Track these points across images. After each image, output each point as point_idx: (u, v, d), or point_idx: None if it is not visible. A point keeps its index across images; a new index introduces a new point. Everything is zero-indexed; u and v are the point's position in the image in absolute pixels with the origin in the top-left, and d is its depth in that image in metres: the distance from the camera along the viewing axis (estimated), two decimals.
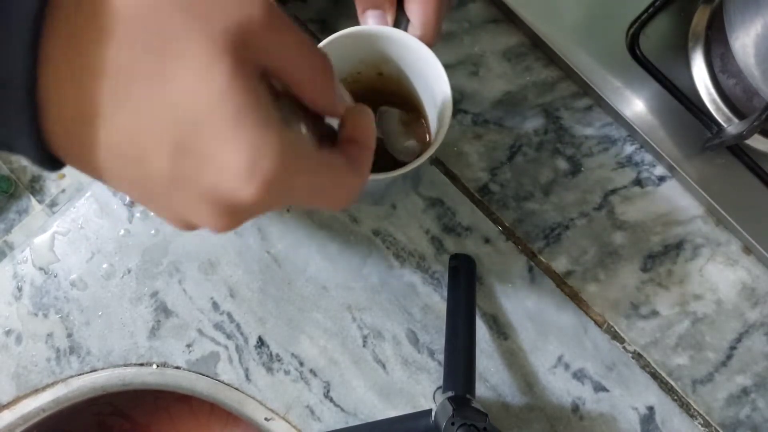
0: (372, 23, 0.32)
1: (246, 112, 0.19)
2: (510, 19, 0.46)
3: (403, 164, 0.32)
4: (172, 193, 0.21)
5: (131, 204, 0.44)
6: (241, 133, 0.19)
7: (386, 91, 0.38)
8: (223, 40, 0.19)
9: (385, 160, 0.37)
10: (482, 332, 0.42)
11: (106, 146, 0.20)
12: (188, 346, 0.43)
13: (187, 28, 0.18)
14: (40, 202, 0.46)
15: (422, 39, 0.31)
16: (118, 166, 0.20)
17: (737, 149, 0.42)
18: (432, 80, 0.33)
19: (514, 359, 0.42)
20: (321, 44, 0.32)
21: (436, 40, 0.32)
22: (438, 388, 0.42)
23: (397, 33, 0.32)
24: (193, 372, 0.43)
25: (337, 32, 0.32)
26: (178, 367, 0.43)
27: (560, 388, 0.42)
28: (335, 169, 0.24)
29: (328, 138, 0.26)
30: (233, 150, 0.19)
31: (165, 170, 0.20)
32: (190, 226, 0.23)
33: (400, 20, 0.32)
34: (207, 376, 0.43)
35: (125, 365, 0.43)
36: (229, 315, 0.43)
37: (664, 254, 0.43)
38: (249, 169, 0.20)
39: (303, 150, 0.22)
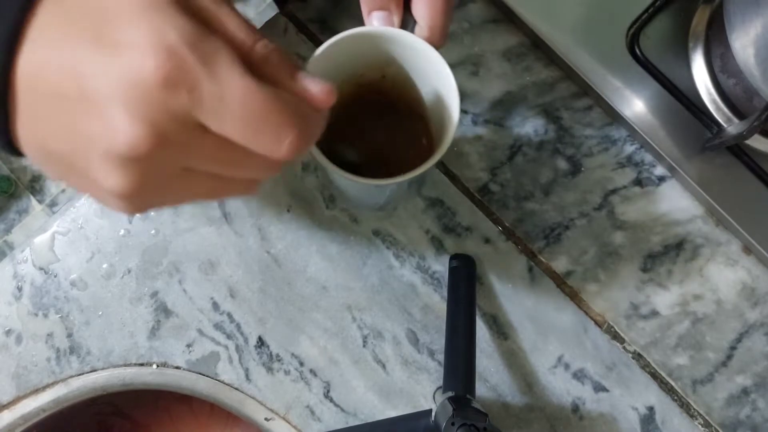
0: (378, 25, 0.31)
1: (161, 2, 0.20)
2: (510, 19, 0.46)
3: (406, 170, 0.31)
4: (80, 113, 0.20)
5: None
6: (150, 14, 0.19)
7: (389, 94, 0.37)
8: None
9: (387, 166, 0.37)
10: (482, 332, 0.42)
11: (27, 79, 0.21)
12: (188, 346, 0.43)
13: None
14: (40, 202, 0.46)
15: (430, 41, 0.31)
16: (33, 103, 0.21)
17: (737, 149, 0.42)
18: (438, 83, 0.32)
19: (514, 359, 0.42)
20: (323, 46, 0.31)
21: (443, 41, 0.31)
22: (438, 388, 0.42)
23: (404, 34, 0.31)
24: (193, 372, 0.43)
25: (340, 33, 0.31)
26: (178, 367, 0.43)
27: (560, 388, 0.42)
28: (271, 99, 0.21)
29: None
30: (139, 24, 0.19)
31: (72, 72, 0.20)
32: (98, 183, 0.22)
33: (407, 22, 0.31)
34: (207, 376, 0.43)
35: (125, 365, 0.43)
36: (229, 315, 0.43)
37: (664, 254, 0.43)
38: (156, 38, 0.19)
39: (223, 55, 0.20)
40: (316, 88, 0.23)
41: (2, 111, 0.21)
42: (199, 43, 0.20)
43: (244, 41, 0.22)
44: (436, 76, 0.32)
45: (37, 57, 0.20)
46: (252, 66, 0.22)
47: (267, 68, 0.22)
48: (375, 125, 0.37)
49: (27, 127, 0.22)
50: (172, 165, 0.22)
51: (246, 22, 0.22)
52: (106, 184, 0.21)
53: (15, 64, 0.20)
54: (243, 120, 0.21)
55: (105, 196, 0.22)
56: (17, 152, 0.23)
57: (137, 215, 0.44)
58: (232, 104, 0.20)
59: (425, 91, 0.35)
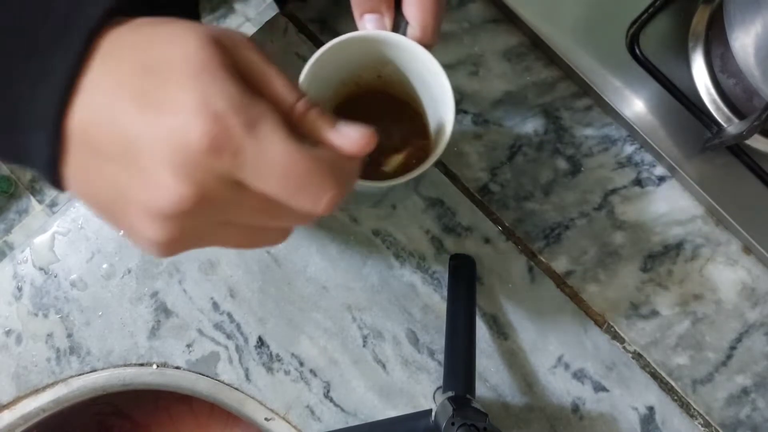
0: (370, 27, 0.32)
1: (209, 66, 0.21)
2: (510, 19, 0.46)
3: (406, 169, 0.31)
4: (128, 164, 0.21)
5: None
6: (200, 79, 0.20)
7: (387, 94, 0.38)
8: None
9: (383, 166, 0.37)
10: (482, 332, 0.42)
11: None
12: (188, 346, 0.43)
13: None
14: (40, 202, 0.46)
15: (422, 41, 0.31)
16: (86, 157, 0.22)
17: (737, 149, 0.42)
18: (432, 83, 0.33)
19: (514, 359, 0.42)
20: (318, 52, 0.32)
21: (435, 41, 0.32)
22: (438, 388, 0.42)
23: (396, 37, 0.31)
24: (193, 372, 0.43)
25: (335, 39, 0.31)
26: (178, 367, 0.43)
27: (560, 388, 0.42)
28: (311, 161, 0.22)
29: None
30: (188, 89, 0.20)
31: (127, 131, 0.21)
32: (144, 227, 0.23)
33: (399, 23, 0.32)
34: (207, 376, 0.43)
35: (125, 365, 0.43)
36: (229, 315, 0.43)
37: (664, 254, 0.43)
38: (204, 103, 0.20)
39: (267, 120, 0.21)
40: (355, 135, 0.24)
41: (52, 154, 0.22)
42: (245, 109, 0.21)
43: (287, 99, 0.23)
44: (430, 77, 0.32)
45: (89, 108, 0.21)
46: (293, 121, 0.23)
47: (307, 123, 0.24)
48: (373, 125, 0.37)
49: (74, 173, 0.23)
50: (211, 220, 0.23)
51: (290, 81, 0.24)
52: (145, 236, 0.22)
53: (68, 112, 0.21)
54: (284, 181, 0.22)
55: (142, 242, 0.23)
56: (64, 188, 0.24)
57: None
58: (273, 167, 0.21)
59: (421, 91, 0.36)
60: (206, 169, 0.21)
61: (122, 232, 0.25)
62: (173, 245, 0.23)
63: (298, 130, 0.23)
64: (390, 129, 0.38)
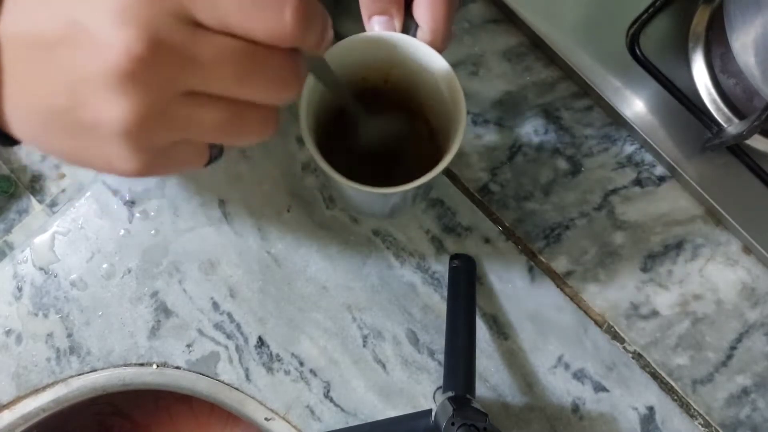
0: (378, 29, 0.31)
1: None
2: (510, 19, 0.46)
3: (413, 177, 0.31)
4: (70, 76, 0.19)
5: (131, 203, 0.44)
6: None
7: (393, 98, 0.37)
8: None
9: (393, 173, 0.37)
10: (482, 332, 0.42)
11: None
12: (188, 346, 0.43)
13: None
14: (40, 202, 0.46)
15: (432, 44, 0.30)
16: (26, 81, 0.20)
17: (737, 149, 0.42)
18: (443, 88, 0.32)
19: (514, 359, 0.42)
20: (325, 54, 0.31)
21: (447, 44, 0.31)
22: (438, 388, 0.42)
23: (406, 39, 0.30)
24: (193, 372, 0.43)
25: (343, 39, 0.30)
26: (178, 367, 0.43)
27: (560, 388, 0.42)
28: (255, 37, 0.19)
29: None
30: None
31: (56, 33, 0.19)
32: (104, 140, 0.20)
33: (409, 25, 0.31)
34: (207, 376, 0.43)
35: (125, 365, 0.43)
36: (229, 315, 0.43)
37: (664, 254, 0.43)
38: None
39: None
40: None
41: None
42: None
43: None
44: (440, 81, 0.32)
45: (16, 15, 0.20)
46: None
47: None
48: (379, 131, 0.36)
49: (15, 96, 0.21)
50: (172, 82, 0.20)
51: None
52: (111, 118, 0.19)
53: None
54: (248, 73, 0.20)
55: (108, 147, 0.20)
56: (10, 140, 0.22)
57: (137, 215, 0.44)
58: (230, 55, 0.19)
59: (430, 95, 0.35)
60: (151, 6, 0.18)
61: (81, 152, 0.21)
62: (142, 133, 0.20)
63: None
64: (396, 136, 0.38)
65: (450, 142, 0.32)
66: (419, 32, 0.31)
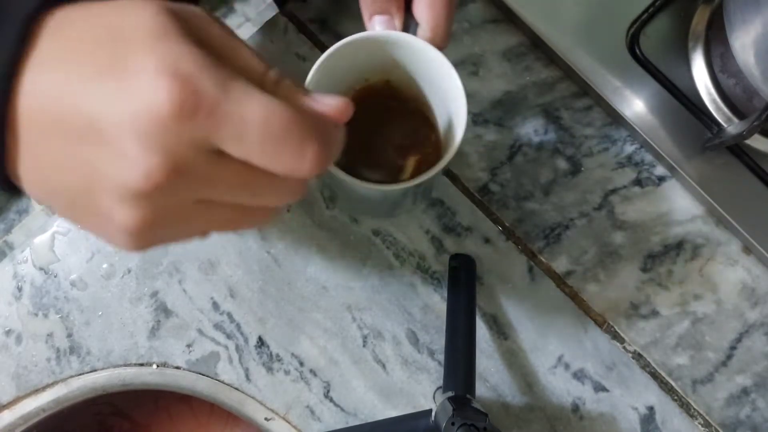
0: (379, 29, 0.31)
1: (168, 31, 0.19)
2: (510, 19, 0.46)
3: (414, 176, 0.31)
4: (89, 151, 0.19)
5: None
6: (160, 43, 0.19)
7: (395, 98, 0.37)
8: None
9: (395, 172, 0.37)
10: (482, 332, 0.42)
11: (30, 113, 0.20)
12: (188, 346, 0.43)
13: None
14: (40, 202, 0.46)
15: (433, 42, 0.30)
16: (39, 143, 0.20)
17: (737, 149, 0.42)
18: (444, 86, 0.32)
19: (514, 359, 0.42)
20: (326, 53, 0.31)
21: (447, 42, 0.31)
22: (438, 388, 0.42)
23: (407, 37, 0.30)
24: (193, 372, 0.43)
25: (343, 39, 0.30)
26: (178, 367, 0.43)
27: (560, 388, 0.42)
28: (291, 112, 0.20)
29: None
30: (148, 53, 0.19)
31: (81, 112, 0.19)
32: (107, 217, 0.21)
33: (409, 24, 0.31)
34: (207, 376, 0.43)
35: (125, 365, 0.43)
36: (229, 315, 0.43)
37: (664, 254, 0.43)
38: (168, 66, 0.18)
39: (239, 79, 0.20)
40: (332, 102, 0.23)
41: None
42: (213, 69, 0.19)
43: (256, 68, 0.22)
44: (441, 79, 0.32)
45: (40, 89, 0.20)
46: (266, 90, 0.21)
47: (281, 92, 0.22)
48: (381, 131, 0.36)
49: (29, 163, 0.21)
50: (187, 197, 0.21)
51: (257, 52, 0.22)
52: (116, 220, 0.20)
53: (15, 98, 0.20)
54: (264, 137, 0.20)
55: (112, 232, 0.21)
56: (14, 190, 0.22)
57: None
58: (252, 123, 0.20)
59: (431, 94, 0.35)
60: (177, 135, 0.19)
61: (86, 225, 0.22)
62: (146, 232, 0.21)
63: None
64: (398, 135, 0.38)
65: (450, 140, 0.32)
66: (419, 30, 0.31)
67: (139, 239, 0.21)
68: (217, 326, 0.43)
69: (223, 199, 0.22)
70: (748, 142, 0.42)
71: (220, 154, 0.20)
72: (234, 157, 0.20)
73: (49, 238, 0.44)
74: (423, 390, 0.42)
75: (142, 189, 0.19)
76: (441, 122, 0.36)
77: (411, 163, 0.37)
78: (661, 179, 0.44)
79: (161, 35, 0.19)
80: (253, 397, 0.42)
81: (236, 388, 0.42)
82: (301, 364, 0.42)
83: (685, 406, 0.42)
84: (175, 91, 0.18)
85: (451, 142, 0.31)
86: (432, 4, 0.30)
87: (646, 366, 0.42)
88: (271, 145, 0.20)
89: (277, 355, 0.43)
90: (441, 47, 0.31)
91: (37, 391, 0.43)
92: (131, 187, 0.19)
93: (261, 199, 0.23)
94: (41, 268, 0.44)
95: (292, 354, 0.43)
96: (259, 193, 0.22)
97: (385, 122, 0.37)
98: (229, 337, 0.43)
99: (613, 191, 0.44)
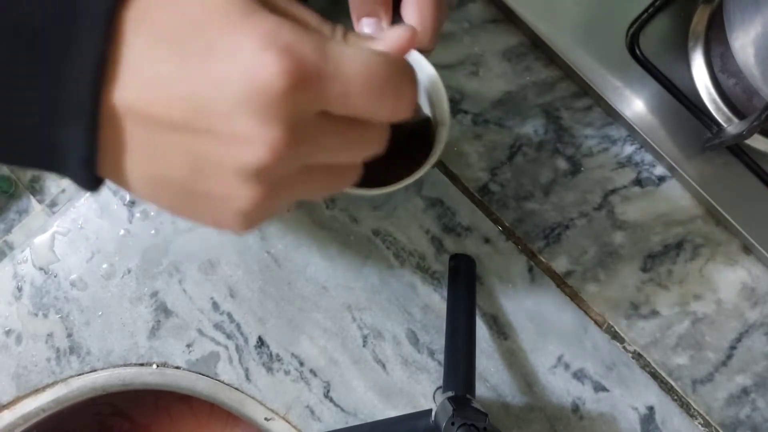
0: (367, 31, 0.32)
1: (253, 6, 0.19)
2: (510, 19, 0.46)
3: (412, 170, 0.31)
4: (199, 139, 0.19)
5: (131, 204, 0.44)
6: (252, 19, 0.19)
7: None
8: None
9: (391, 166, 0.37)
10: (482, 332, 0.42)
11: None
12: (188, 346, 0.43)
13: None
14: (40, 202, 0.46)
15: (420, 44, 0.31)
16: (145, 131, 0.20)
17: (737, 149, 0.42)
18: (429, 88, 0.33)
19: (514, 359, 0.42)
20: None
21: (434, 44, 0.31)
22: (438, 388, 0.42)
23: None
24: (193, 372, 0.43)
25: None
26: (178, 367, 0.43)
27: (560, 388, 0.42)
28: (385, 60, 0.21)
29: None
30: (243, 32, 0.19)
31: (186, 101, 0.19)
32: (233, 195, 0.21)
33: (398, 25, 0.32)
34: (207, 376, 0.43)
35: (125, 365, 0.43)
36: (229, 315, 0.43)
37: (664, 254, 0.43)
38: (267, 40, 0.19)
39: (330, 41, 0.20)
40: (399, 33, 0.24)
41: (88, 148, 0.20)
42: (308, 36, 0.20)
43: (326, 27, 0.23)
44: (426, 82, 0.32)
45: (138, 83, 0.19)
46: None
47: (352, 43, 0.23)
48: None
49: (131, 159, 0.21)
50: (297, 164, 0.21)
51: (315, 14, 0.23)
52: (235, 200, 0.21)
53: (109, 95, 0.19)
54: (368, 89, 0.20)
55: (226, 215, 0.22)
56: (97, 185, 0.22)
57: (137, 215, 0.44)
58: (355, 78, 0.20)
59: (421, 95, 0.35)
60: (292, 105, 0.19)
61: (195, 214, 0.22)
62: (261, 208, 0.21)
63: None
64: (393, 132, 0.38)
65: (437, 141, 0.32)
66: None
67: (253, 217, 0.22)
68: (217, 326, 0.43)
69: (326, 160, 0.22)
70: (748, 142, 0.42)
71: (325, 116, 0.21)
72: (338, 115, 0.21)
73: (49, 238, 0.44)
74: (423, 390, 0.42)
75: (265, 163, 0.19)
76: (432, 121, 0.36)
77: (407, 157, 0.37)
78: (661, 179, 0.44)
79: (246, 11, 0.19)
80: (253, 397, 0.42)
81: (236, 388, 0.42)
82: (301, 364, 0.42)
83: (685, 406, 0.42)
84: (283, 62, 0.19)
85: (437, 144, 0.32)
86: (420, 6, 0.30)
87: (646, 366, 0.42)
88: (376, 94, 0.21)
89: (277, 355, 0.43)
90: (429, 49, 0.31)
91: (37, 391, 0.43)
92: (253, 164, 0.19)
93: (356, 155, 0.23)
94: (41, 268, 0.44)
95: (292, 354, 0.43)
96: (357, 148, 0.23)
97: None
98: (229, 337, 0.43)
99: (613, 191, 0.44)
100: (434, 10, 0.30)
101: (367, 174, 0.33)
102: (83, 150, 0.20)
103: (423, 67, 0.32)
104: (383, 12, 0.31)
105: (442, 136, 0.31)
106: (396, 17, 0.32)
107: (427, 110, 0.36)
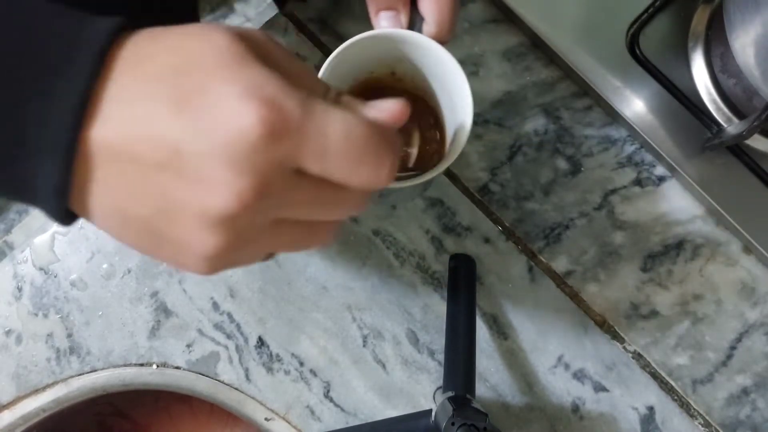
0: (385, 25, 0.32)
1: (244, 57, 0.20)
2: (510, 19, 0.46)
3: (418, 166, 0.31)
4: (168, 183, 0.20)
5: None
6: (239, 70, 0.19)
7: (399, 89, 0.37)
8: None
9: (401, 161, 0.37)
10: (482, 332, 0.42)
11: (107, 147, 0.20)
12: (188, 346, 0.43)
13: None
14: None
15: (437, 36, 0.31)
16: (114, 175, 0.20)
17: (737, 149, 0.42)
18: (449, 82, 0.32)
19: (514, 359, 0.42)
20: (334, 53, 0.31)
21: (451, 36, 0.32)
22: (438, 388, 0.42)
23: (411, 35, 0.31)
24: (193, 372, 0.43)
25: (349, 39, 0.31)
26: (178, 367, 0.43)
27: (560, 388, 0.42)
28: (368, 127, 0.21)
29: None
30: (230, 81, 0.19)
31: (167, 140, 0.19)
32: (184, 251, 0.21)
33: (415, 19, 0.32)
34: (207, 376, 0.43)
35: (125, 365, 0.43)
36: (229, 315, 0.43)
37: (664, 254, 0.43)
38: (251, 91, 0.19)
39: (316, 99, 0.20)
40: (390, 107, 0.23)
41: (62, 182, 0.20)
42: (293, 91, 0.20)
43: (319, 86, 0.23)
44: (446, 75, 0.32)
45: (118, 120, 0.20)
46: None
47: (344, 106, 0.23)
48: None
49: (102, 194, 0.21)
50: (266, 218, 0.21)
51: (312, 69, 0.23)
52: (195, 245, 0.21)
53: (88, 130, 0.20)
54: (346, 153, 0.20)
55: (188, 258, 0.22)
56: (69, 220, 0.22)
57: None
58: (334, 139, 0.20)
59: (437, 88, 0.35)
60: (266, 157, 0.19)
61: (158, 253, 0.22)
62: (224, 256, 0.21)
63: None
64: (405, 127, 0.38)
65: (453, 143, 0.32)
66: (425, 25, 0.31)
67: (215, 263, 0.22)
68: (217, 326, 0.43)
69: (296, 216, 0.22)
70: (748, 142, 0.42)
71: (299, 173, 0.21)
72: (312, 174, 0.21)
73: (49, 238, 0.44)
74: (423, 390, 0.42)
75: (231, 212, 0.20)
76: (447, 116, 0.36)
77: (418, 153, 0.37)
78: (661, 179, 0.44)
79: (238, 61, 0.20)
80: (253, 397, 0.42)
81: (236, 388, 0.42)
82: (301, 364, 0.42)
83: (685, 406, 0.42)
84: (263, 113, 0.19)
85: (456, 140, 0.31)
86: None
87: (646, 366, 0.42)
88: (353, 159, 0.21)
89: (277, 355, 0.43)
90: (445, 41, 0.31)
91: (37, 391, 0.43)
92: (218, 212, 0.20)
93: (331, 214, 0.23)
94: (41, 268, 0.44)
95: (292, 354, 0.43)
96: (331, 208, 0.23)
97: None
98: (229, 337, 0.43)
99: (613, 191, 0.44)
100: (451, 3, 0.30)
101: None
102: (56, 182, 0.20)
103: (443, 60, 0.31)
104: (401, 5, 0.31)
105: (462, 139, 0.31)
106: (413, 10, 0.31)
107: (448, 111, 0.35)
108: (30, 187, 0.20)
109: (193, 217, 0.20)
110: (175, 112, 0.19)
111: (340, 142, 0.20)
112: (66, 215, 0.21)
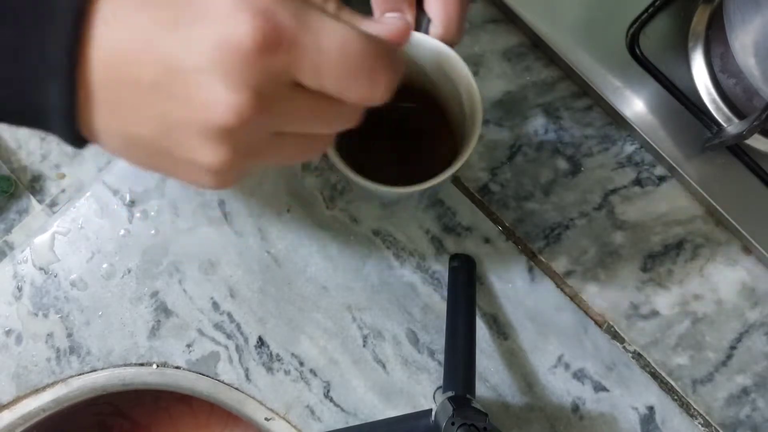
0: None
1: None
2: (510, 19, 0.46)
3: (429, 171, 0.30)
4: (170, 90, 0.20)
5: (131, 204, 0.44)
6: None
7: (406, 92, 0.37)
8: None
9: (410, 168, 0.37)
10: (482, 332, 0.42)
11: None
12: (188, 346, 0.43)
13: None
14: (40, 202, 0.46)
15: (445, 38, 0.30)
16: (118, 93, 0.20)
17: (737, 149, 0.42)
18: (458, 84, 0.32)
19: (514, 359, 0.42)
20: None
21: (459, 38, 0.31)
22: (438, 388, 0.42)
23: (418, 37, 0.30)
24: (193, 372, 0.43)
25: None
26: (178, 367, 0.43)
27: (560, 388, 0.42)
28: (366, 41, 0.20)
29: None
30: None
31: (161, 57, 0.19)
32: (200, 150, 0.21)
33: (421, 20, 0.31)
34: (207, 376, 0.43)
35: (125, 365, 0.43)
36: (229, 315, 0.43)
37: (664, 254, 0.43)
38: (245, 2, 0.19)
39: (312, 9, 0.20)
40: (394, 23, 0.23)
41: (68, 104, 0.20)
42: (290, 2, 0.19)
43: (317, 1, 0.22)
44: (455, 78, 0.32)
45: (112, 42, 0.20)
46: None
47: (343, 19, 0.22)
48: (396, 128, 0.36)
49: (105, 116, 0.21)
50: (266, 130, 0.21)
51: None
52: (201, 161, 0.21)
53: (85, 53, 0.20)
54: (341, 67, 0.20)
55: (196, 173, 0.22)
56: (81, 143, 0.22)
57: (137, 215, 0.44)
58: (331, 54, 0.20)
59: (445, 91, 0.34)
60: (261, 70, 0.19)
61: (168, 170, 0.23)
62: (230, 168, 0.21)
63: None
64: (414, 131, 0.37)
65: (464, 145, 0.31)
66: (431, 27, 0.31)
67: (224, 176, 0.22)
68: (217, 326, 0.43)
69: (295, 129, 0.22)
70: (748, 142, 0.42)
71: (296, 86, 0.20)
72: (309, 87, 0.21)
73: (49, 238, 0.44)
74: (423, 390, 0.42)
75: (229, 125, 0.19)
76: (456, 120, 0.36)
77: (425, 154, 0.37)
78: (661, 179, 0.44)
79: None
80: (253, 397, 0.42)
81: (236, 388, 0.42)
82: (301, 364, 0.42)
83: (685, 406, 0.42)
84: (256, 25, 0.18)
85: (464, 147, 0.31)
86: (443, 0, 0.30)
87: (646, 366, 0.42)
88: (348, 74, 0.20)
89: (277, 355, 0.43)
90: (453, 43, 0.31)
91: (37, 391, 0.43)
92: (218, 125, 0.19)
93: (329, 127, 0.23)
94: (41, 268, 0.44)
95: (292, 354, 0.43)
96: (327, 122, 0.23)
97: (400, 119, 0.36)
98: (229, 337, 0.43)
99: (613, 191, 0.44)
100: (458, 4, 0.30)
101: (386, 170, 0.33)
102: (63, 104, 0.20)
103: (451, 62, 0.31)
104: (407, 6, 0.31)
105: (471, 143, 0.30)
106: (420, 11, 0.31)
107: (456, 115, 0.35)
108: (45, 114, 0.21)
109: (193, 135, 0.20)
110: (167, 28, 0.19)
111: (335, 57, 0.20)
112: (77, 138, 0.22)
